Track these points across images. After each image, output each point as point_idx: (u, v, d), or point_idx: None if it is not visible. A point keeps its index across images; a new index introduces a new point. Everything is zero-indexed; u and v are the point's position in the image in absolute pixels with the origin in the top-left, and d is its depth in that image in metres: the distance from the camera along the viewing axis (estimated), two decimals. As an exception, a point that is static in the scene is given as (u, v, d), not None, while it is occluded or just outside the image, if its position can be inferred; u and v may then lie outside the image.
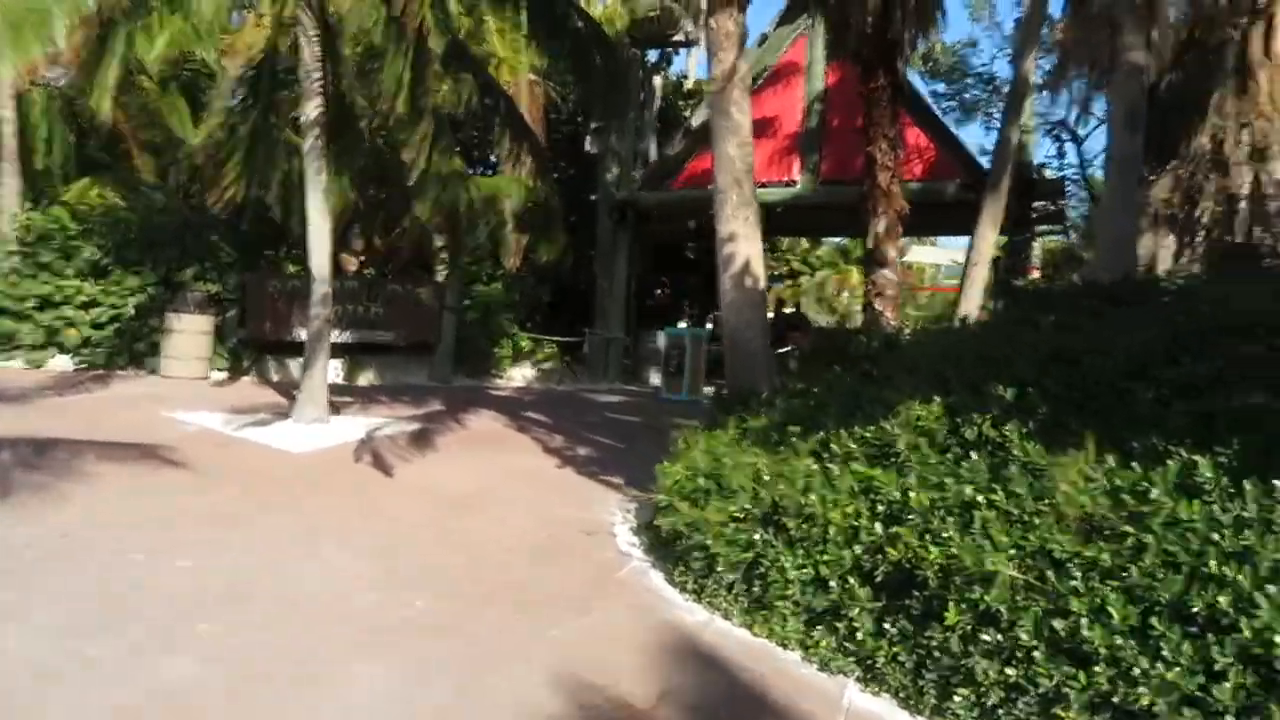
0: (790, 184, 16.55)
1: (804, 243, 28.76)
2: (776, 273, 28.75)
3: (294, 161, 11.83)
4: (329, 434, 9.44)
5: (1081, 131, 22.80)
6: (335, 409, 11.17)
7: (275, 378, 14.69)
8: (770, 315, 24.76)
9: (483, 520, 6.36)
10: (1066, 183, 16.88)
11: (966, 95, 22.87)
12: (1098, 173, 25.61)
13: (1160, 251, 12.14)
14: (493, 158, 21.73)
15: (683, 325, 24.35)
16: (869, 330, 11.00)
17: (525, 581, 5.09)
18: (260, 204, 14.45)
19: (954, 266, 36.03)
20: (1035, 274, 17.34)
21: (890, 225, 11.88)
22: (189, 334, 13.51)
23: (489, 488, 7.42)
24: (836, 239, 37.77)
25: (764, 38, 17.07)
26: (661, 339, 18.61)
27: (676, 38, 18.17)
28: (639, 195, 17.55)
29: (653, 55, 19.32)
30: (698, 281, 25.26)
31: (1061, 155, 22.81)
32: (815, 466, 4.60)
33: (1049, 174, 18.06)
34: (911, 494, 3.89)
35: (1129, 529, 3.16)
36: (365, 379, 15.31)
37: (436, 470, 8.03)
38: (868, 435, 4.62)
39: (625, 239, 17.98)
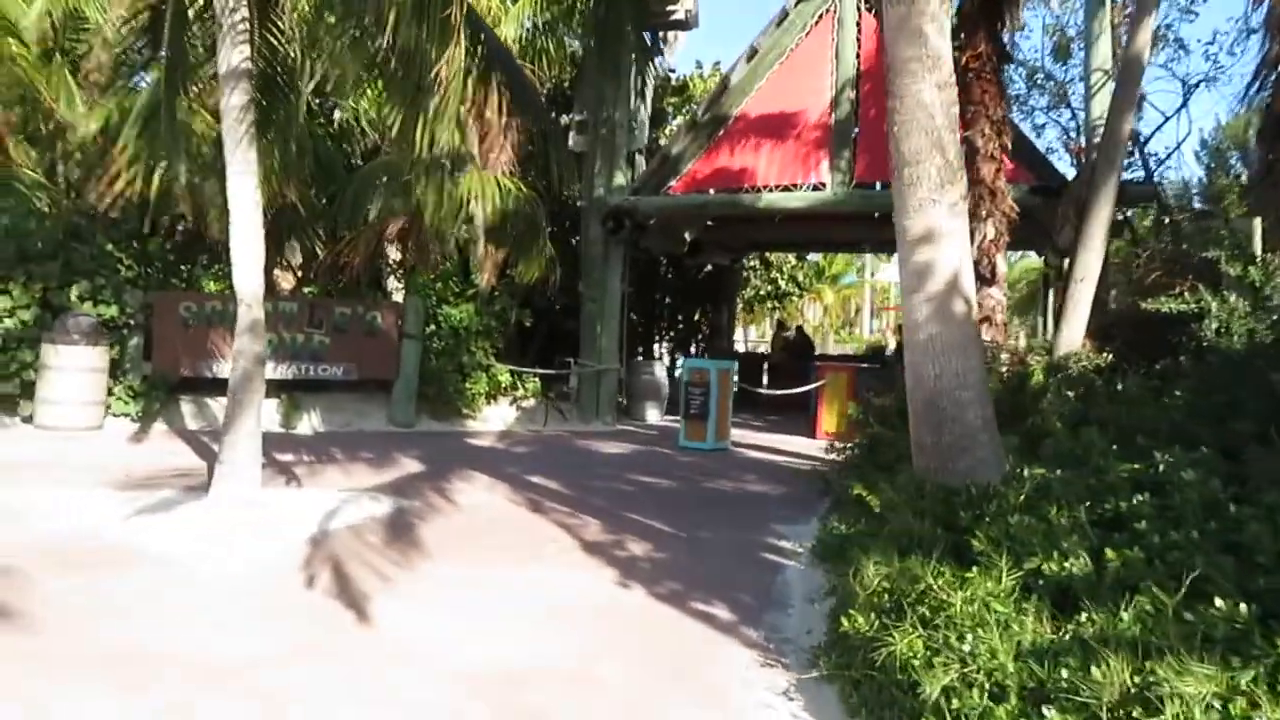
0: (818, 187, 13.93)
1: (791, 259, 26.14)
2: (762, 292, 26.13)
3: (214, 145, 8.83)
4: (262, 527, 6.42)
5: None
6: (274, 472, 8.16)
7: (193, 424, 11.57)
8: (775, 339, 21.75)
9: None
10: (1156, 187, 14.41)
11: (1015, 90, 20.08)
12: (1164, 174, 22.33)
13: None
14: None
15: (662, 351, 21.66)
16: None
17: None
18: (169, 202, 11.35)
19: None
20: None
21: (999, 231, 9.34)
22: (73, 371, 10.34)
23: (539, 655, 4.28)
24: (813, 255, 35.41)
25: (784, 15, 14.46)
26: (659, 370, 15.85)
27: (676, 16, 15.42)
28: (639, 201, 14.65)
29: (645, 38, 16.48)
30: (680, 303, 22.43)
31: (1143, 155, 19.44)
32: None
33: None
34: None
35: None
36: (307, 424, 12.22)
37: (437, 603, 4.98)
38: None
39: (619, 253, 15.09)
